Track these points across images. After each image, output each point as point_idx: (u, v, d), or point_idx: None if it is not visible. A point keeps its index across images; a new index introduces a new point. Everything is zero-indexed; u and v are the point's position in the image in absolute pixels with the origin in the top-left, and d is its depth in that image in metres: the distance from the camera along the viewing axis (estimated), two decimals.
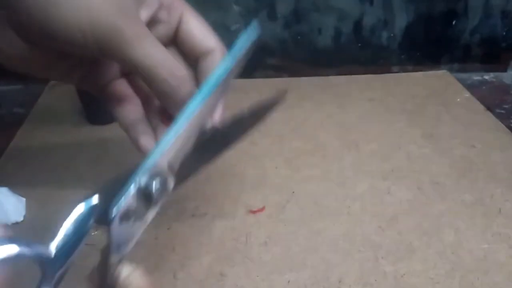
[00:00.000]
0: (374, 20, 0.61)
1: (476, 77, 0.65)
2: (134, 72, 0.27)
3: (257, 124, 0.32)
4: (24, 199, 0.40)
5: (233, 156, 0.46)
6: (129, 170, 0.21)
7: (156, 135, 0.28)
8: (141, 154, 0.27)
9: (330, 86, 0.61)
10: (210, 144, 0.28)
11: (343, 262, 0.35)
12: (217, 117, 0.28)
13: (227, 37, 0.28)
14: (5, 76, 0.59)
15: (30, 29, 0.22)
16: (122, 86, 0.29)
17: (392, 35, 0.63)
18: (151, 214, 0.22)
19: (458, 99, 0.58)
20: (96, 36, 0.22)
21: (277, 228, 0.38)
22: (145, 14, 0.26)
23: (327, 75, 0.63)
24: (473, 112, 0.55)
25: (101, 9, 0.22)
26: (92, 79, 0.28)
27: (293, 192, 0.42)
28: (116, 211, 0.20)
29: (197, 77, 0.29)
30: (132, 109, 0.28)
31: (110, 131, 0.50)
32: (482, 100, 0.57)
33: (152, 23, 0.27)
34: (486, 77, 0.65)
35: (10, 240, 0.16)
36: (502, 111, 0.57)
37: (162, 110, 0.29)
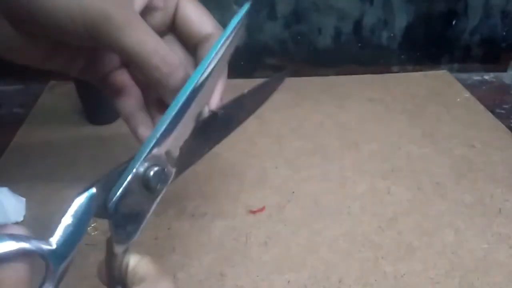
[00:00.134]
0: (374, 20, 0.61)
1: (476, 77, 0.65)
2: (127, 60, 0.27)
3: (258, 107, 0.31)
4: (24, 199, 0.40)
5: (233, 156, 0.46)
6: (127, 162, 0.21)
7: (155, 125, 0.28)
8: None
9: (330, 86, 0.61)
10: (210, 130, 0.27)
11: (343, 262, 0.35)
12: (215, 101, 0.27)
13: None
14: (5, 76, 0.59)
15: (20, 15, 0.22)
16: (122, 76, 0.28)
17: (392, 35, 0.63)
18: (152, 204, 0.22)
19: (458, 99, 0.58)
20: (86, 23, 0.22)
21: (277, 228, 0.38)
22: (140, 1, 0.25)
23: (327, 75, 0.63)
24: (473, 112, 0.55)
25: None
26: (92, 70, 0.28)
27: (293, 192, 0.42)
28: (114, 201, 0.20)
29: (197, 63, 0.28)
30: (132, 99, 0.28)
31: (110, 130, 0.50)
32: (482, 100, 0.57)
33: (148, 10, 0.26)
34: (486, 77, 0.65)
35: (10, 237, 0.16)
36: (502, 111, 0.57)
37: (160, 99, 0.28)
